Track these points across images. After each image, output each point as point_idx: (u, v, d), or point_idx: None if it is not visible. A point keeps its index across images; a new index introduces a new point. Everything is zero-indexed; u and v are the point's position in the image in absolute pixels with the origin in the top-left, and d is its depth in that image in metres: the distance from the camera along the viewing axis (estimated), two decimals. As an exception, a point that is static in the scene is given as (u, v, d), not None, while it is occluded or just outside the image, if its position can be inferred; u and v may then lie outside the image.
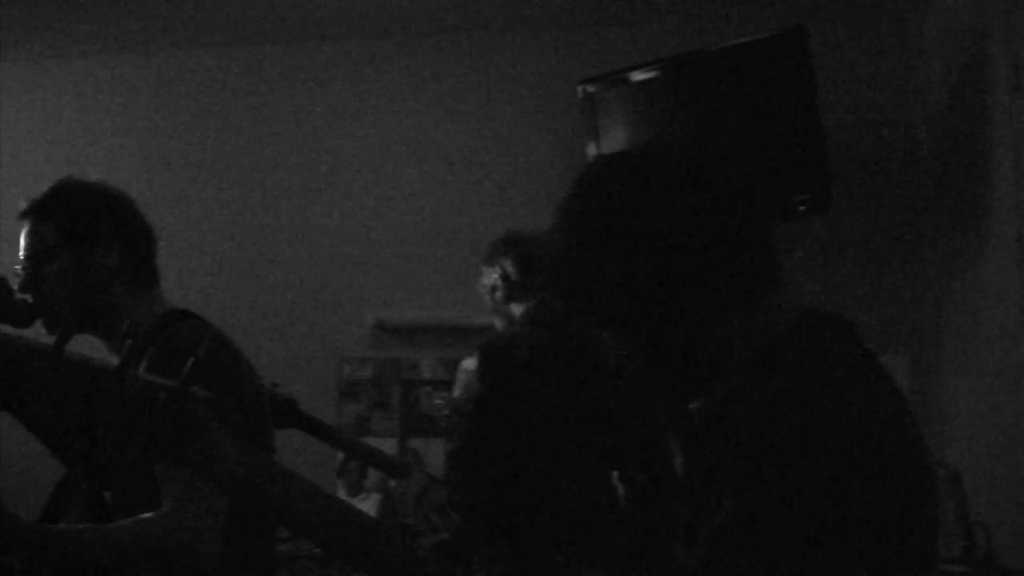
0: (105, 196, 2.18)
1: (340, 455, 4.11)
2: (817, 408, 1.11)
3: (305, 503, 1.33)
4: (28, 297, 2.10)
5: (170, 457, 1.32)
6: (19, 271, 2.13)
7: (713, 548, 1.09)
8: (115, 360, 2.08)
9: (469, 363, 3.22)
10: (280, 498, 1.33)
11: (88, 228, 2.12)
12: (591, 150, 4.08)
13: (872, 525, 1.07)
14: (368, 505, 4.31)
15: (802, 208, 3.77)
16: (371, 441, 3.68)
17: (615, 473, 3.28)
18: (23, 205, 2.15)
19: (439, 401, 4.39)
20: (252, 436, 1.99)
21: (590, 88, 4.13)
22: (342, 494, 4.34)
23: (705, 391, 1.28)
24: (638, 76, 4.08)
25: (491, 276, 3.32)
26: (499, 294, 3.29)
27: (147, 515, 1.86)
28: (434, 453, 4.37)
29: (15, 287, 2.11)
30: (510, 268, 3.27)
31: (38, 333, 2.08)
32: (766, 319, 1.26)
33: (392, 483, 4.26)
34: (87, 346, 2.05)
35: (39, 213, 2.14)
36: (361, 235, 4.58)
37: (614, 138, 4.04)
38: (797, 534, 1.06)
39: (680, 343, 1.26)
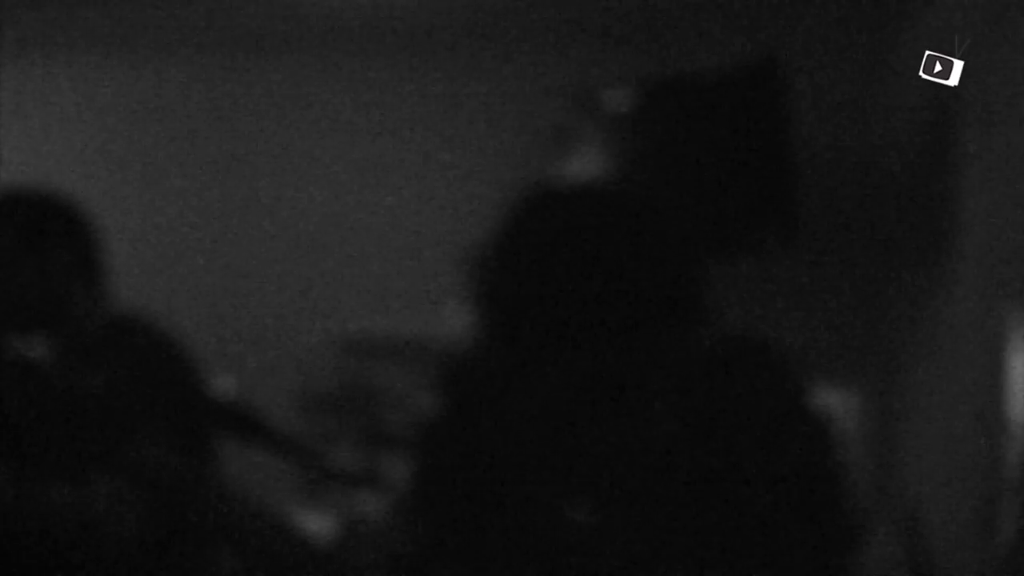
0: (55, 202, 2.22)
1: (302, 467, 4.08)
2: (735, 431, 1.14)
3: None
4: None
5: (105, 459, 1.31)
6: None
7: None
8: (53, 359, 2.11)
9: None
10: None
11: (42, 233, 2.15)
12: (563, 172, 4.09)
13: (781, 529, 1.10)
14: (329, 518, 4.29)
15: (769, 241, 3.78)
16: (335, 454, 3.67)
17: (578, 499, 3.28)
18: None
19: (406, 416, 4.38)
20: (192, 444, 2.00)
21: (564, 110, 4.13)
22: (303, 506, 4.32)
23: (643, 403, 1.31)
24: (613, 99, 4.09)
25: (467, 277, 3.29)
26: None
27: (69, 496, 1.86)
28: (397, 467, 4.35)
29: None
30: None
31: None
32: (693, 342, 1.30)
33: (354, 496, 4.25)
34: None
35: None
36: (330, 247, 4.56)
37: (586, 161, 4.05)
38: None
39: (618, 354, 1.29)
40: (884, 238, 4.16)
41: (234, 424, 2.34)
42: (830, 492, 1.20)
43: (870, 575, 3.32)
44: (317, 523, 4.26)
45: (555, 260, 1.32)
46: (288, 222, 4.62)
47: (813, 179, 4.04)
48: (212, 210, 4.67)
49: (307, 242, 4.59)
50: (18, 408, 1.54)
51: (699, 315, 1.34)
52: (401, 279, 4.46)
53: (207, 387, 2.17)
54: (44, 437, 1.87)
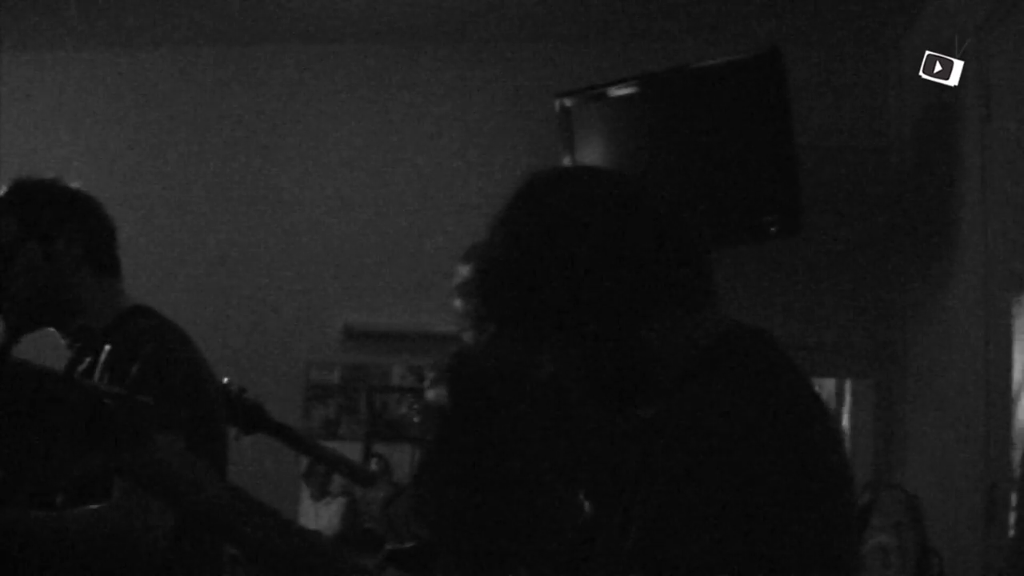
0: (63, 189, 2.23)
1: (306, 459, 4.10)
2: (740, 416, 1.15)
3: (254, 527, 1.32)
4: None
5: (112, 466, 1.31)
6: None
7: (644, 535, 1.13)
8: (67, 356, 2.11)
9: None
10: (226, 520, 1.33)
11: (50, 219, 2.16)
12: (567, 163, 4.09)
13: (785, 517, 1.10)
14: (333, 510, 4.31)
15: (772, 230, 3.79)
16: (338, 446, 3.68)
17: (582, 491, 3.29)
18: None
19: (409, 408, 4.39)
20: (202, 437, 2.01)
21: (567, 102, 4.13)
22: (307, 498, 4.34)
23: (641, 401, 1.32)
24: (616, 91, 4.09)
25: (468, 273, 3.28)
26: None
27: (97, 506, 1.87)
28: (401, 459, 4.37)
29: None
30: None
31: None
32: (695, 333, 1.31)
33: (358, 489, 4.26)
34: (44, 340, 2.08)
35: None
36: (332, 239, 4.57)
37: (590, 152, 4.06)
38: (718, 525, 1.09)
39: (614, 352, 1.30)
40: (889, 227, 4.17)
41: (241, 415, 2.35)
42: (833, 485, 1.20)
43: (871, 567, 3.34)
44: (323, 514, 4.28)
45: (556, 246, 1.32)
46: (292, 214, 4.63)
47: (816, 168, 4.05)
48: (215, 204, 4.68)
49: (311, 234, 4.60)
50: (31, 406, 1.55)
51: (702, 302, 1.35)
52: (403, 272, 4.47)
53: (215, 378, 2.18)
54: (54, 434, 1.87)
